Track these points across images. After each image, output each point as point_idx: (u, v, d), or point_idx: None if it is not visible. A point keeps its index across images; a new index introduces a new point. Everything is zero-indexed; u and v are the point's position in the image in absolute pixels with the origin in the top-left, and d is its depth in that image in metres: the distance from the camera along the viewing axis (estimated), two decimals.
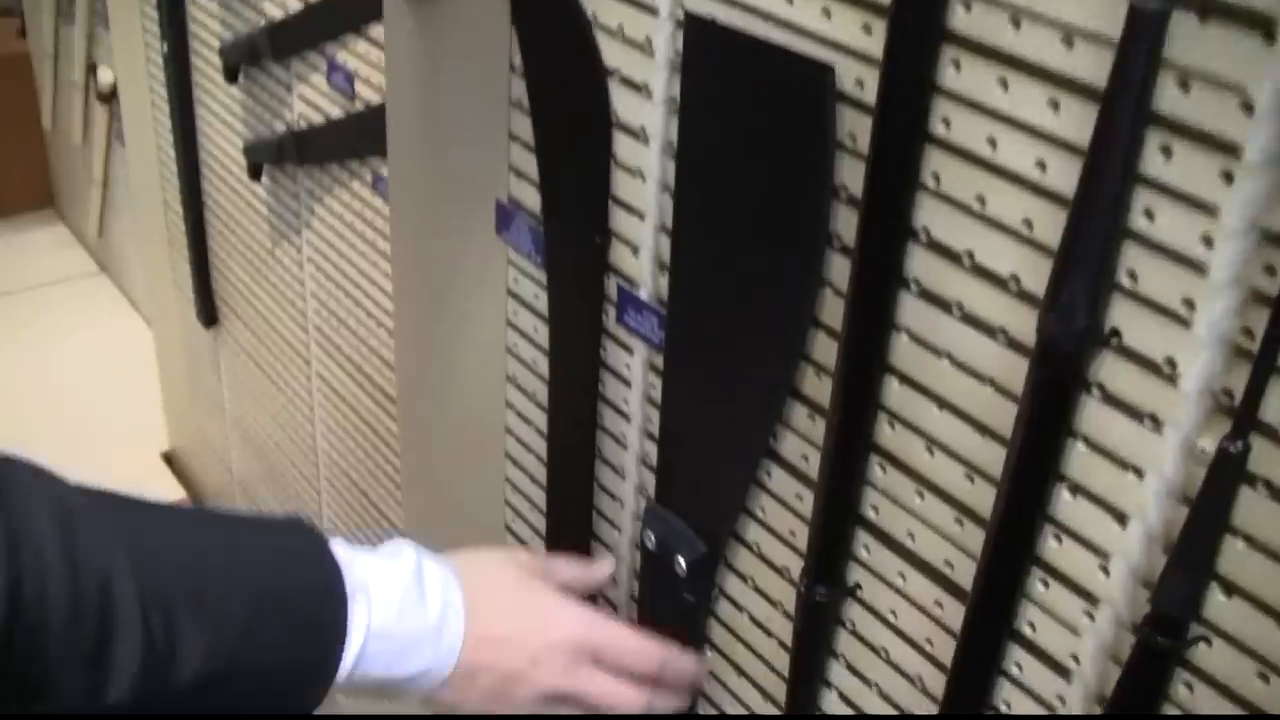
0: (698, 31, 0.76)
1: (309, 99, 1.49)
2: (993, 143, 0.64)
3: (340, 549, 0.77)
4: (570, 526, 1.01)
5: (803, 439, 0.80)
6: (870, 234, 0.70)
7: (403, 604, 0.78)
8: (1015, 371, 0.66)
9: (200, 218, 1.90)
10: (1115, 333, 0.61)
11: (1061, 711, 0.69)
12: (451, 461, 1.22)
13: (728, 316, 0.80)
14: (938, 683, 0.76)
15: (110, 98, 2.51)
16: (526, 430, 1.08)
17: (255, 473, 2.04)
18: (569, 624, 0.85)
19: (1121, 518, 0.63)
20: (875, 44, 0.67)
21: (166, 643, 0.68)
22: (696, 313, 0.83)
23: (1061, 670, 0.69)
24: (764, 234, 0.76)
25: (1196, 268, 0.57)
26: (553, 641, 0.83)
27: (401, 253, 1.22)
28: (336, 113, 1.44)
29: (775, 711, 0.89)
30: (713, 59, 0.76)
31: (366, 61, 1.34)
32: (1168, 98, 0.55)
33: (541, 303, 0.99)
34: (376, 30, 1.30)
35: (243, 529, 0.76)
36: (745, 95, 0.74)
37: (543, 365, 1.02)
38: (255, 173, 1.65)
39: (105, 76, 2.50)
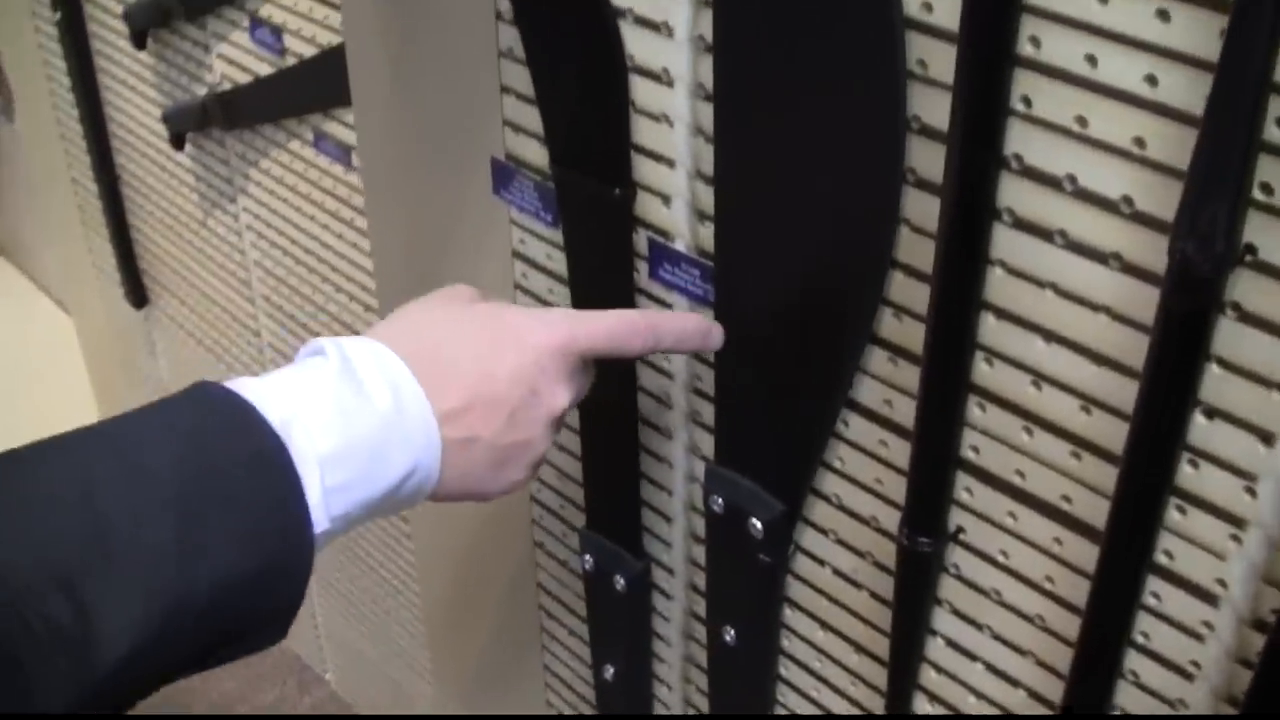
0: None
1: (231, 58, 1.40)
2: (1092, 60, 0.59)
3: (251, 389, 0.61)
4: (613, 494, 0.96)
5: (885, 384, 0.75)
6: (955, 166, 0.65)
7: (343, 410, 0.62)
8: (1134, 296, 0.62)
9: (117, 194, 1.80)
10: (1250, 249, 0.57)
11: (1209, 638, 0.66)
12: None
13: (790, 264, 0.75)
14: (1061, 620, 0.72)
15: None
16: None
17: None
18: (545, 329, 0.70)
19: (1267, 437, 0.60)
20: None
21: (79, 631, 0.52)
22: (752, 261, 0.78)
23: (1207, 596, 0.65)
24: (829, 174, 0.71)
25: None
26: (533, 352, 0.69)
27: (380, 221, 1.15)
28: (264, 70, 1.36)
29: (872, 665, 0.85)
30: None
31: (295, 13, 1.26)
32: None
33: (555, 263, 0.94)
34: None
35: (127, 439, 0.58)
36: (794, 28, 0.69)
37: None
38: (178, 142, 1.56)
39: None
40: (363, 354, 0.65)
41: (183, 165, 1.61)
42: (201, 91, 1.49)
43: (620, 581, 0.98)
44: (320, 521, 0.60)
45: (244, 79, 1.40)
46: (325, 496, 0.60)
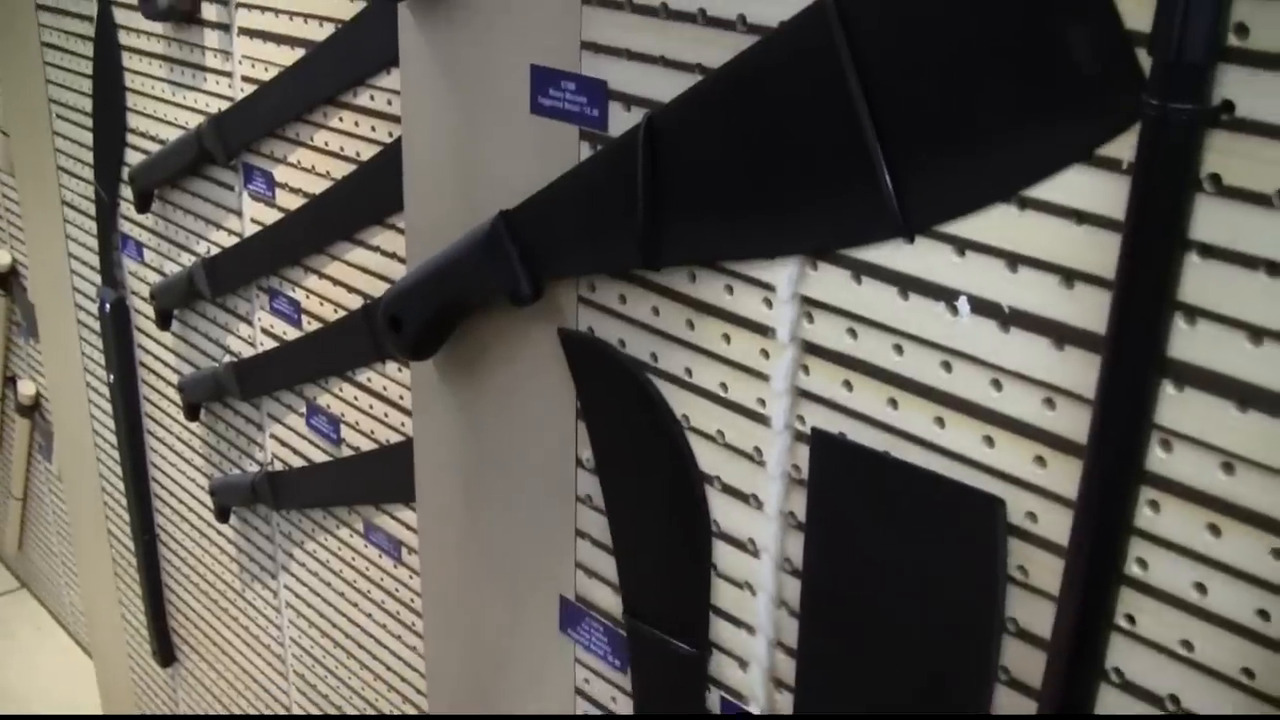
0: (829, 451, 0.71)
1: (284, 439, 1.42)
2: (1201, 588, 0.59)
3: None
4: None
5: None
6: (1055, 676, 0.64)
7: None
8: None
9: (153, 552, 1.81)
10: None
11: None
12: None
13: None
14: None
15: (31, 410, 2.42)
16: None
17: None
18: None
19: None
20: (1050, 477, 0.63)
21: None
22: None
23: None
24: (917, 662, 0.70)
25: None
26: None
27: (437, 632, 1.15)
28: (317, 455, 1.37)
29: None
30: (848, 480, 0.71)
31: (355, 407, 1.28)
32: None
33: (621, 705, 0.92)
34: (366, 375, 1.24)
35: None
36: (891, 520, 0.69)
37: None
38: (223, 515, 1.57)
39: (26, 389, 2.41)
40: None
41: (225, 536, 1.61)
42: (250, 467, 1.50)
43: None
44: None
45: (296, 461, 1.41)
46: None
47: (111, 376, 1.73)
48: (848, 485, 0.71)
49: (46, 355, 2.07)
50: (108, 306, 1.70)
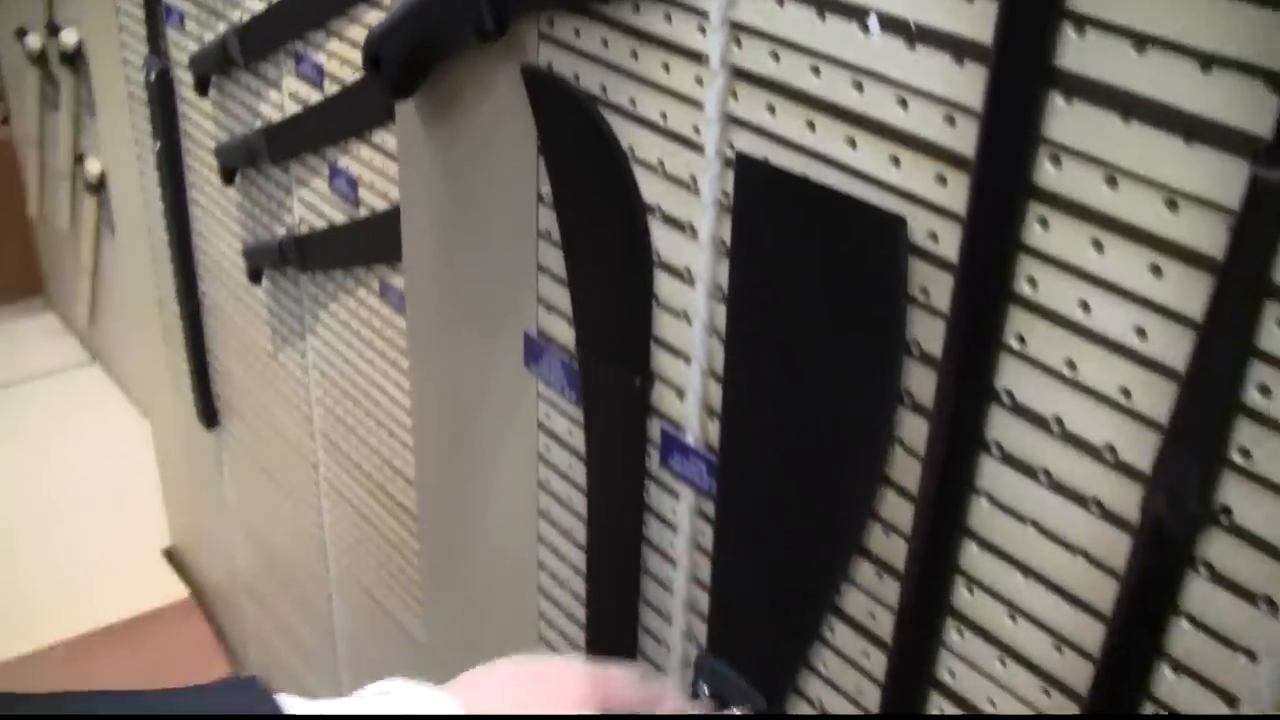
0: (750, 174, 0.72)
1: (310, 203, 1.44)
2: (1085, 306, 0.59)
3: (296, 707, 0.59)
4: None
5: (870, 596, 0.75)
6: (948, 395, 0.65)
7: None
8: (1112, 545, 0.61)
9: (197, 318, 1.86)
10: (1225, 510, 0.56)
11: None
12: (479, 591, 1.17)
13: (788, 470, 0.76)
14: None
15: (99, 187, 2.47)
16: (561, 567, 1.03)
17: (261, 574, 1.99)
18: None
19: (1232, 700, 0.59)
20: (950, 196, 0.63)
21: None
22: (752, 464, 0.78)
23: None
24: (828, 387, 0.72)
25: None
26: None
27: (421, 377, 1.18)
28: (339, 218, 1.40)
29: None
30: (768, 203, 0.72)
31: (370, 167, 1.30)
32: None
33: (576, 439, 0.95)
34: (380, 136, 1.26)
35: None
36: (805, 242, 0.70)
37: (578, 502, 0.97)
38: (255, 276, 1.61)
39: (93, 167, 2.46)
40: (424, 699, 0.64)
41: (259, 299, 1.65)
42: (282, 231, 1.53)
43: None
44: None
45: (321, 224, 1.43)
46: None
47: (158, 144, 1.76)
48: (769, 208, 0.72)
49: (104, 128, 2.11)
50: (153, 75, 1.72)
